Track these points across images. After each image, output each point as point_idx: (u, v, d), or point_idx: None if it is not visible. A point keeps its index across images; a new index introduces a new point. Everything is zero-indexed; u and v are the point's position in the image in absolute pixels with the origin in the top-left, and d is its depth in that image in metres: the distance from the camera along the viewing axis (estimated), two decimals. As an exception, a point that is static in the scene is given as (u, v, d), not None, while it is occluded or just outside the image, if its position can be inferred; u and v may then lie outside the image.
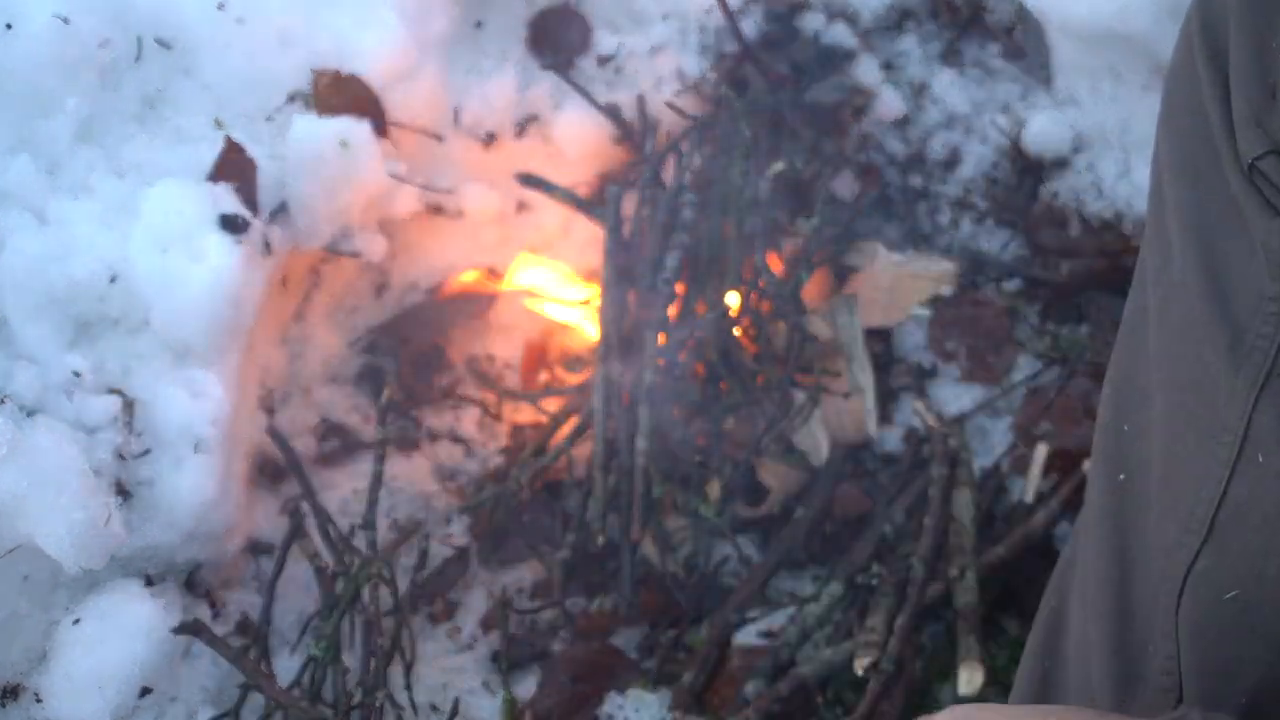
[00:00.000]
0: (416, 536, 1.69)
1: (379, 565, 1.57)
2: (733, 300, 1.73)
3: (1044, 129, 1.95)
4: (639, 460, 1.58)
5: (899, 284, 1.90)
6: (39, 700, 1.45)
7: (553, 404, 1.78)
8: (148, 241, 1.56)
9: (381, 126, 1.77)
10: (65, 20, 1.61)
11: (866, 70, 1.99)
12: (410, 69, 1.81)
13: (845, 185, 1.98)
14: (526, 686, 1.62)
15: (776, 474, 1.71)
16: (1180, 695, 0.89)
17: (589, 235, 1.92)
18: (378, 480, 1.64)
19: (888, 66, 2.01)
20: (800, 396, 1.69)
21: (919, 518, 1.63)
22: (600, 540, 1.63)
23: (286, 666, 1.58)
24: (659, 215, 1.70)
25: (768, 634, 1.63)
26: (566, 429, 1.72)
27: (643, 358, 1.60)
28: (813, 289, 1.86)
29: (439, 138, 1.86)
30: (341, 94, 1.74)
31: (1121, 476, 0.95)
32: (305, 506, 1.66)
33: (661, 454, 1.63)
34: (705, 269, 1.72)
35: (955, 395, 1.83)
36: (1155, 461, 0.91)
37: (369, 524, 1.62)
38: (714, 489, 1.66)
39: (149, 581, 1.55)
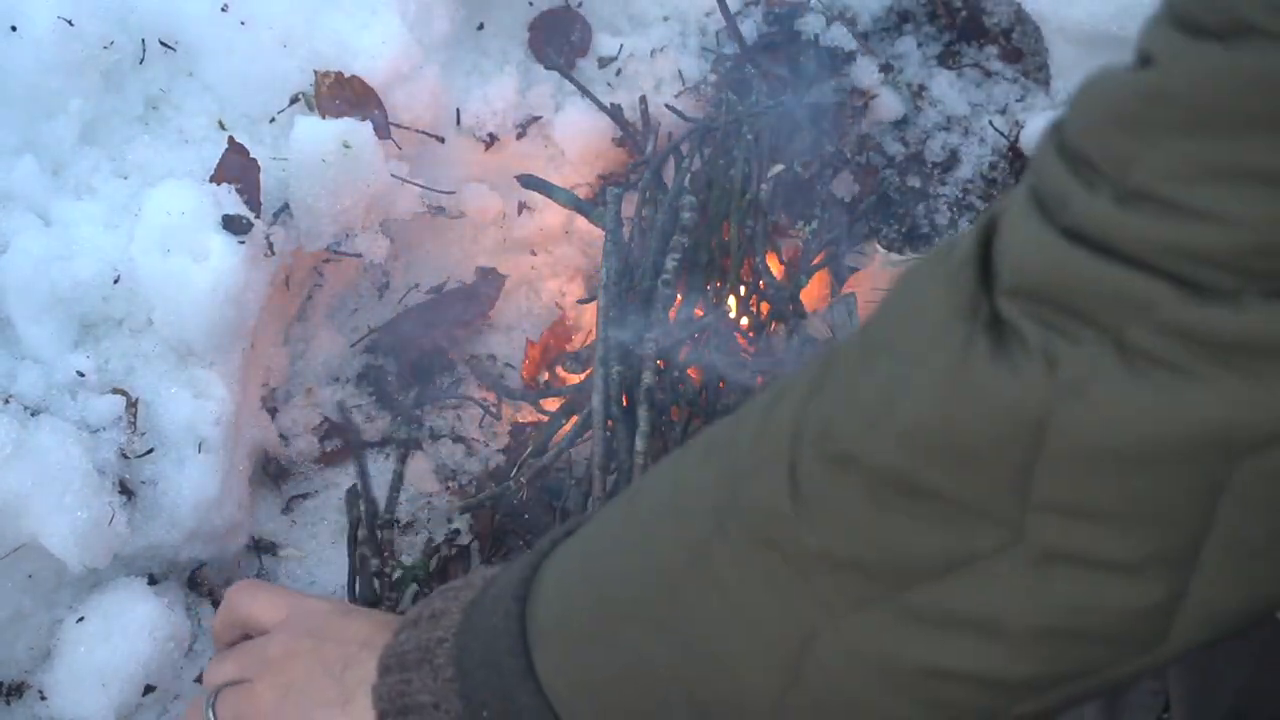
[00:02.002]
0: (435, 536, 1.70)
1: (422, 567, 1.59)
2: (732, 302, 1.74)
3: (1042, 130, 1.95)
4: (638, 460, 1.58)
5: (897, 284, 1.90)
6: (43, 698, 1.46)
7: (553, 404, 1.79)
8: (151, 242, 1.57)
9: (383, 128, 1.77)
10: (69, 22, 1.62)
11: (865, 72, 2.00)
12: (412, 70, 1.81)
13: (844, 186, 1.99)
14: (527, 684, 1.63)
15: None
16: (1167, 700, 0.90)
17: (589, 236, 1.94)
18: (399, 480, 1.66)
19: (886, 68, 2.02)
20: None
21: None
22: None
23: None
24: (659, 217, 1.71)
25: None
26: (567, 429, 1.73)
27: (642, 359, 1.61)
28: (812, 290, 1.87)
29: (440, 139, 1.86)
30: (343, 95, 1.75)
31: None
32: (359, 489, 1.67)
33: (661, 453, 1.63)
34: (705, 271, 1.73)
35: (953, 395, 1.83)
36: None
37: (388, 523, 1.64)
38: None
39: (152, 580, 1.56)
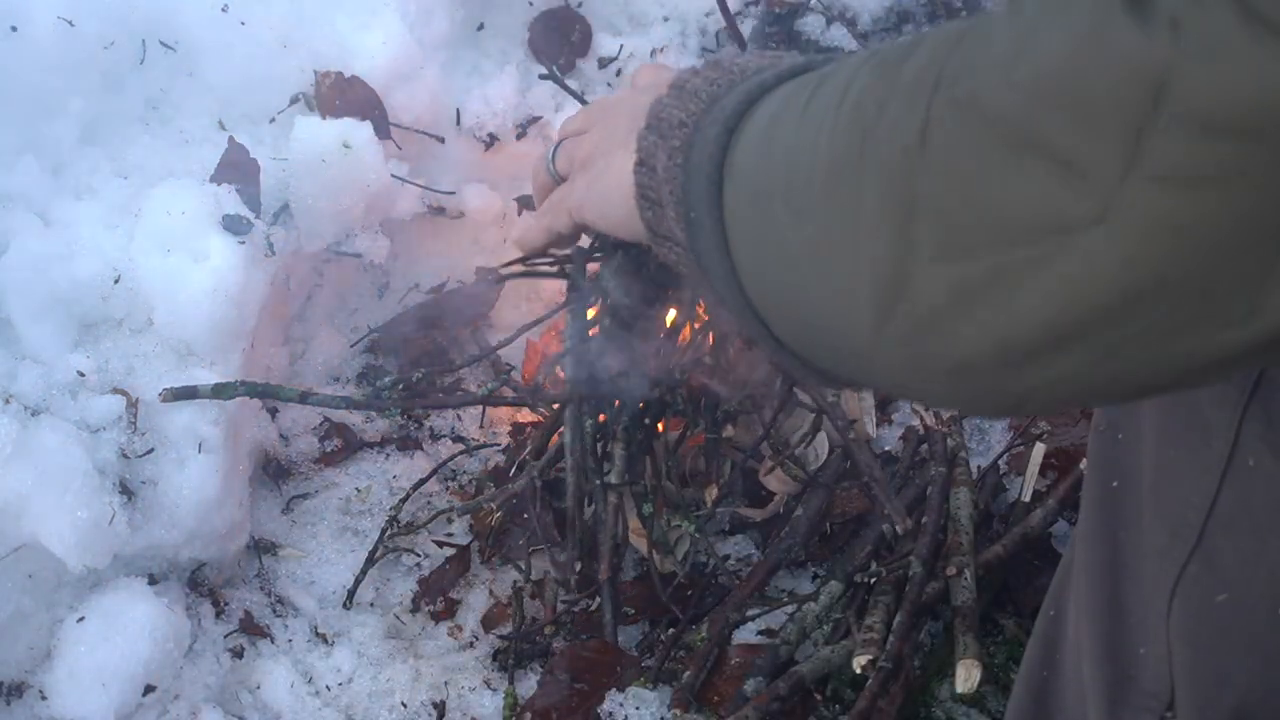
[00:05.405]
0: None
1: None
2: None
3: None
4: (611, 498, 1.56)
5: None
6: (43, 698, 1.46)
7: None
8: (151, 242, 1.57)
9: (383, 128, 1.77)
10: (70, 23, 1.62)
11: (865, 72, 2.00)
12: (412, 71, 1.81)
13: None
14: (527, 684, 1.63)
15: (777, 476, 1.71)
16: (1171, 698, 0.90)
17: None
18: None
19: (887, 68, 2.02)
20: (801, 402, 1.68)
21: (917, 516, 1.64)
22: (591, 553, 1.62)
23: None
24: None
25: (767, 632, 1.64)
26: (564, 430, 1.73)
27: (617, 391, 1.58)
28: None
29: (440, 139, 1.86)
30: (344, 95, 1.75)
31: (1115, 483, 0.95)
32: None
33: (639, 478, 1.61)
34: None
35: (953, 395, 1.83)
36: (1146, 468, 0.91)
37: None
38: (711, 492, 1.67)
39: (152, 580, 1.56)
